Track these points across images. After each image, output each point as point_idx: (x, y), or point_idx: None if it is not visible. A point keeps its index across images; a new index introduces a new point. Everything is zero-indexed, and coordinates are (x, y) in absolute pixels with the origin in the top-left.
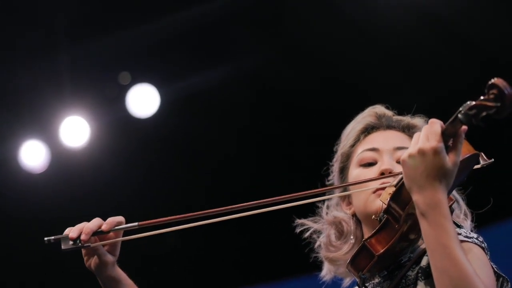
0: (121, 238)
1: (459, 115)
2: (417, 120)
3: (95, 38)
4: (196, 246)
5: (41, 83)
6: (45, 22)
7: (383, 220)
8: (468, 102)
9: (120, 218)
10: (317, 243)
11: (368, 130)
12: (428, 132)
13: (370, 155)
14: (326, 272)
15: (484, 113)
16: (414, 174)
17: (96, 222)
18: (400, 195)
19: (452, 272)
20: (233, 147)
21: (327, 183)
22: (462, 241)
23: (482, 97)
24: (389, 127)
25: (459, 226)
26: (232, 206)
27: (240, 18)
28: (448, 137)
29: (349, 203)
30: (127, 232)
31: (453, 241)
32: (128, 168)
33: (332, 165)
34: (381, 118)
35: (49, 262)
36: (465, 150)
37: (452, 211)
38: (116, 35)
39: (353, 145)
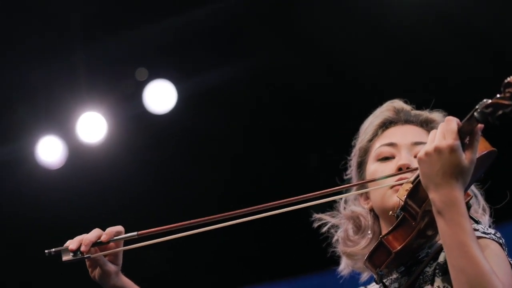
0: (121, 248)
1: (475, 113)
2: (435, 115)
3: (112, 34)
4: (203, 250)
5: (58, 79)
6: (62, 19)
7: (400, 217)
8: (485, 100)
9: (119, 228)
10: (335, 238)
11: (386, 124)
12: (445, 130)
13: (388, 150)
14: (344, 267)
15: (500, 112)
16: (431, 172)
17: (95, 233)
18: (417, 193)
19: (469, 271)
20: (250, 143)
21: (345, 177)
22: (479, 237)
23: (498, 95)
24: (407, 121)
25: (477, 222)
26: (238, 211)
27: (255, 15)
28: (465, 135)
29: (367, 198)
30: (128, 241)
31: (470, 239)
32: (144, 164)
33: (350, 160)
34: (399, 113)
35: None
36: (482, 147)
37: (469, 207)
38: (133, 32)
39: (371, 140)
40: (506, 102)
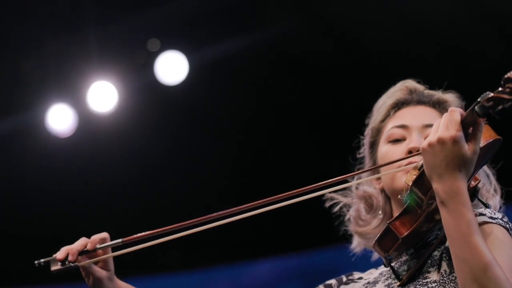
0: (109, 255)
1: (476, 107)
2: (448, 96)
3: (125, 5)
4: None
5: (70, 47)
6: None
7: (407, 204)
8: (487, 93)
9: (104, 235)
10: (347, 217)
11: (398, 105)
12: (448, 121)
13: (399, 132)
14: (356, 245)
15: (500, 107)
16: (434, 163)
17: (81, 241)
18: (422, 181)
19: (471, 261)
20: (261, 115)
21: (358, 156)
22: (486, 222)
23: (499, 89)
24: (420, 102)
25: (485, 205)
26: (240, 207)
27: None
28: (468, 125)
29: (378, 178)
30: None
31: (473, 229)
32: (154, 135)
33: (363, 138)
34: (412, 93)
35: (72, 230)
36: (487, 135)
37: (477, 190)
38: (146, 2)
39: (383, 120)
40: (506, 97)
